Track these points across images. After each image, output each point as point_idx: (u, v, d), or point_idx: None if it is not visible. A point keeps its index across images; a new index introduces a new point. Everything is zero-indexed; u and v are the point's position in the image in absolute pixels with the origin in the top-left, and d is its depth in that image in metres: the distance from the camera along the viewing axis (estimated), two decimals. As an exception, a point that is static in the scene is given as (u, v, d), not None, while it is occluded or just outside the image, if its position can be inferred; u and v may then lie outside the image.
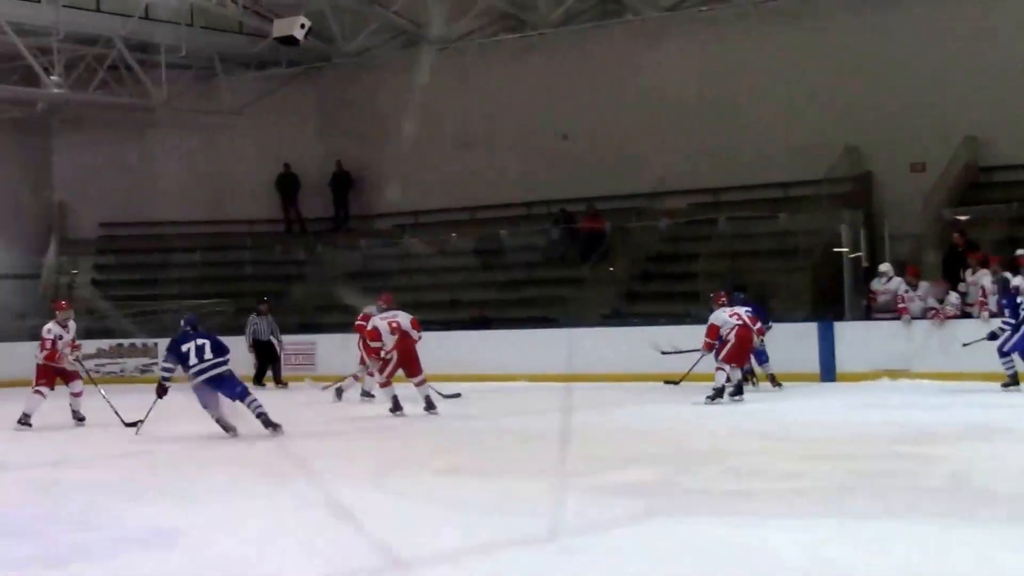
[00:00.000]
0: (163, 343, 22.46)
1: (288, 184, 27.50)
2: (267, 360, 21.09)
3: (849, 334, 17.80)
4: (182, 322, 12.68)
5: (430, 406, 13.99)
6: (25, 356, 21.52)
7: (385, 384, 14.06)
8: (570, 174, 24.14)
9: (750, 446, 10.63)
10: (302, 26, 21.71)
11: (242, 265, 27.20)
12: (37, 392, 14.09)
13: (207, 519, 7.60)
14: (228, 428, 12.34)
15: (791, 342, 17.24)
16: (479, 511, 7.56)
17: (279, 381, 20.97)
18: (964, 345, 15.82)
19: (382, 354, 13.95)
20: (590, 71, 24.39)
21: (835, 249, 19.36)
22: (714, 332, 14.56)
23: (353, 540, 6.71)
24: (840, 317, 18.34)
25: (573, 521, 7.02)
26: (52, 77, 23.68)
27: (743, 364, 15.14)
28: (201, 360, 12.14)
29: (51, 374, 14.24)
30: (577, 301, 21.65)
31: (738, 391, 14.60)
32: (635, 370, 18.00)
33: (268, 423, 12.13)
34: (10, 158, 27.34)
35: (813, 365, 17.72)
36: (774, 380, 16.37)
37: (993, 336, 15.18)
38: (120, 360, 23.13)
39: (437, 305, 21.99)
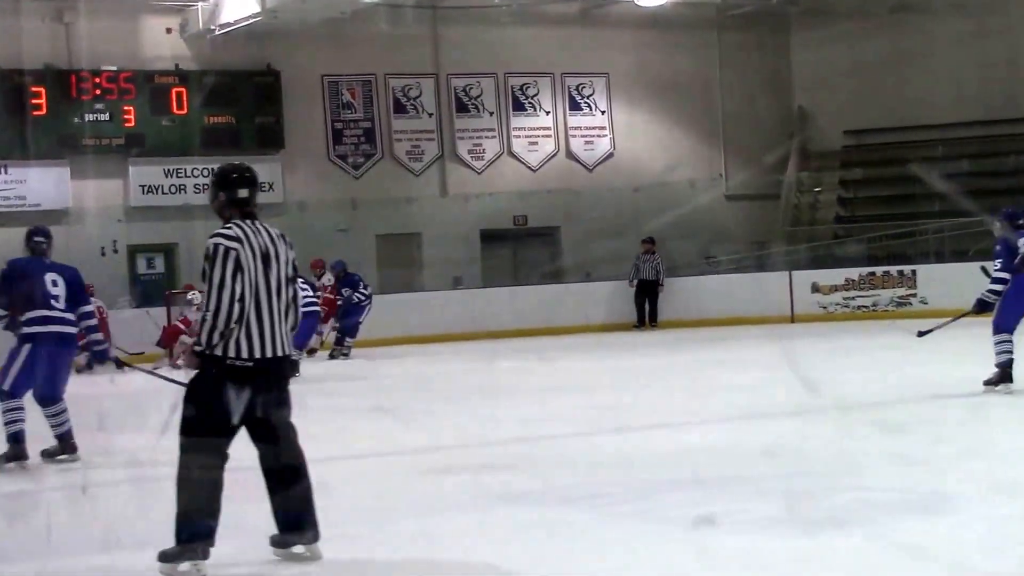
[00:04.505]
0: (923, 270, 22.69)
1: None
2: (646, 300, 23.78)
3: None
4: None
5: None
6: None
7: None
8: None
9: None
10: None
11: (1021, 174, 26.03)
12: None
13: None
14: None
15: None
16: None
17: (654, 322, 23.64)
18: None
19: None
20: None
21: None
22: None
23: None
24: None
25: None
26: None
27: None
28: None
29: None
30: None
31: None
32: None
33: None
34: (745, 61, 27.86)
35: None
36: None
37: None
38: (872, 292, 22.87)
39: None
